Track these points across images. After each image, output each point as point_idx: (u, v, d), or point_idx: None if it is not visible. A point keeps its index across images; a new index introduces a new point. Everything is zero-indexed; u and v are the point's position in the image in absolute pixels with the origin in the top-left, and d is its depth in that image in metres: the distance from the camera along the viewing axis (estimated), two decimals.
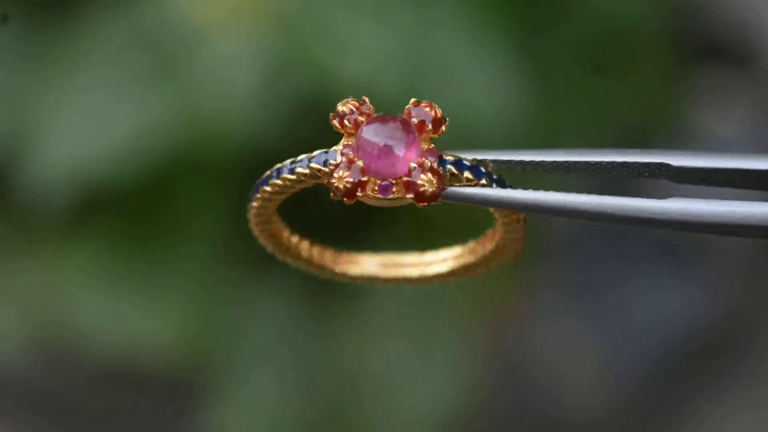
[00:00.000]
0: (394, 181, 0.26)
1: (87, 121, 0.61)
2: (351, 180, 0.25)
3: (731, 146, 0.82)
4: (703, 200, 0.25)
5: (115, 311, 0.67)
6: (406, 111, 0.26)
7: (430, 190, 0.25)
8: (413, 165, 0.25)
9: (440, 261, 0.31)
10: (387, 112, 0.26)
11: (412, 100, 0.26)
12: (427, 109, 0.26)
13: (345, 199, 0.25)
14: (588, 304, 0.83)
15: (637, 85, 0.76)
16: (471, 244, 0.30)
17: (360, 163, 0.25)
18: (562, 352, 0.81)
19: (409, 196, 0.25)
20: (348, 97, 0.26)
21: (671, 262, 0.82)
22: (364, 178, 0.25)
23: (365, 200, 0.26)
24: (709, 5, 0.84)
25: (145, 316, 0.66)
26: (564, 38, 0.69)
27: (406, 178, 0.25)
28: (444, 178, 0.26)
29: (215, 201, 0.67)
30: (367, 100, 0.26)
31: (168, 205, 0.67)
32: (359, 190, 0.25)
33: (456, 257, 0.31)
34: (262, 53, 0.60)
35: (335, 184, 0.25)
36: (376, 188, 0.26)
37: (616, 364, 0.83)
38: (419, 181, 0.25)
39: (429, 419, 0.70)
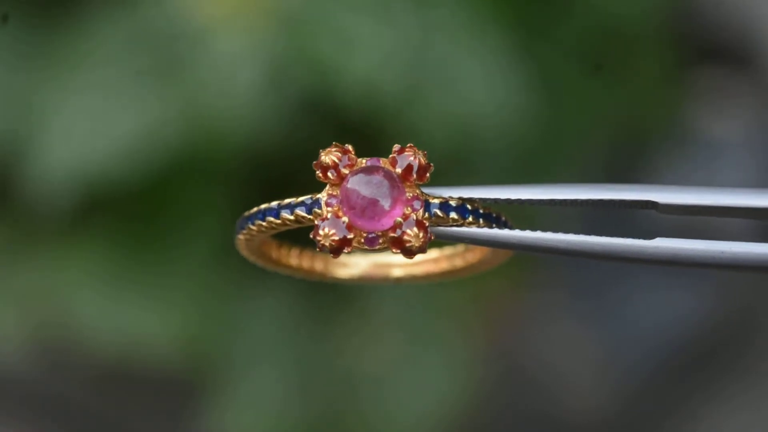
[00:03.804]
0: (380, 233, 0.25)
1: (88, 122, 0.61)
2: (336, 238, 0.25)
3: (731, 146, 0.82)
4: (689, 240, 0.25)
5: (115, 311, 0.67)
6: (390, 159, 0.26)
7: (417, 245, 0.25)
8: (399, 220, 0.25)
9: (430, 261, 0.31)
10: (372, 157, 0.26)
11: (396, 146, 0.26)
12: (411, 157, 0.25)
13: (331, 255, 0.25)
14: (588, 304, 0.83)
15: (637, 85, 0.76)
16: (459, 248, 0.30)
17: (345, 219, 0.25)
18: (563, 352, 0.81)
19: (396, 251, 0.25)
20: (330, 145, 0.26)
21: None
22: (350, 236, 0.25)
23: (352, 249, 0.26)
24: (709, 6, 0.84)
25: (146, 316, 0.66)
26: (564, 38, 0.69)
27: (392, 234, 0.25)
28: (430, 226, 0.25)
29: (215, 201, 0.67)
30: (350, 148, 0.26)
31: (169, 206, 0.67)
32: (345, 247, 0.25)
33: (443, 258, 0.31)
34: (264, 52, 0.60)
35: (321, 242, 0.25)
36: (362, 240, 0.25)
37: (616, 365, 0.83)
38: (406, 237, 0.25)
39: (429, 420, 0.70)
